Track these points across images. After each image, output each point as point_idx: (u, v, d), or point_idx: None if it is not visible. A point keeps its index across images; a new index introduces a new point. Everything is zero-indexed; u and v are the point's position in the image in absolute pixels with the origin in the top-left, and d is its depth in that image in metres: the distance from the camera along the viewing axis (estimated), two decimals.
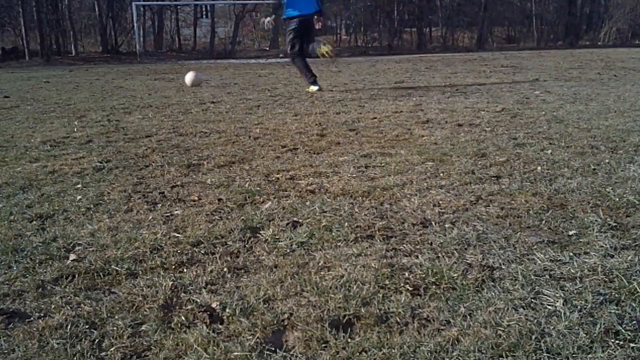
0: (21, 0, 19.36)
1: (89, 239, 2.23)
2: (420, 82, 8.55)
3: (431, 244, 2.09)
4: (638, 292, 1.66)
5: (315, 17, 6.82)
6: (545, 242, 2.07)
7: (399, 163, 3.31)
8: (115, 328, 1.57)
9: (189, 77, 7.92)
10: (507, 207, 2.46)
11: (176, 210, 2.57)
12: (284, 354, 1.44)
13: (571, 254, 1.96)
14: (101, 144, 4.20)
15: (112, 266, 1.96)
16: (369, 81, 9.00)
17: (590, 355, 1.39)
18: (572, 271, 1.82)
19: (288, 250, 2.07)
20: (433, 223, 2.30)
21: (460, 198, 2.62)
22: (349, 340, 1.47)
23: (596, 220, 2.25)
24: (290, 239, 2.15)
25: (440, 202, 2.57)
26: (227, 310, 1.64)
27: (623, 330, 1.48)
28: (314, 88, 7.02)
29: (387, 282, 1.78)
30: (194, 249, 2.11)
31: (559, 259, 1.92)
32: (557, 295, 1.67)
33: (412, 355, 1.41)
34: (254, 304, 1.67)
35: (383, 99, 6.52)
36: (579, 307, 1.60)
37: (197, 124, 5.02)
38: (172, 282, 1.82)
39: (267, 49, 24.11)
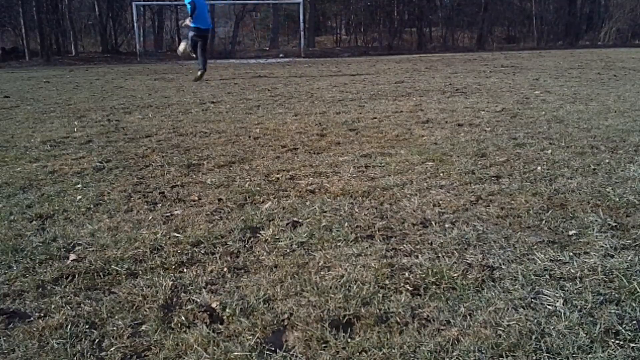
0: (21, 0, 19.34)
1: (89, 239, 2.23)
2: (420, 82, 8.55)
3: (431, 244, 2.09)
4: (638, 292, 1.66)
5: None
6: (545, 242, 2.07)
7: (399, 163, 3.32)
8: (115, 328, 1.57)
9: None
10: (507, 207, 2.46)
11: (176, 210, 2.58)
12: (284, 354, 1.44)
13: (571, 254, 1.96)
14: (101, 144, 4.20)
15: (112, 266, 1.96)
16: (369, 81, 8.99)
17: (590, 355, 1.39)
18: (572, 271, 1.82)
19: (288, 250, 2.07)
20: (433, 223, 2.30)
21: (460, 198, 2.62)
22: (349, 340, 1.48)
23: (596, 220, 2.25)
24: (290, 239, 2.15)
25: (440, 202, 2.57)
26: (227, 310, 1.64)
27: (623, 330, 1.48)
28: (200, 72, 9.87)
29: (387, 282, 1.78)
30: (194, 249, 2.11)
31: (559, 259, 1.92)
32: (557, 295, 1.67)
33: (412, 355, 1.41)
34: (254, 304, 1.67)
35: (383, 99, 6.52)
36: (579, 307, 1.60)
37: (197, 124, 5.02)
38: (172, 282, 1.82)
39: (267, 49, 24.09)
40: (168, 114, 5.73)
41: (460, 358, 1.39)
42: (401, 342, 1.45)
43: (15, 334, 1.55)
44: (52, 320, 1.60)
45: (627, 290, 1.68)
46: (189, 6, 9.36)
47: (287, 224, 2.31)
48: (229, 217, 2.46)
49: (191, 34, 9.58)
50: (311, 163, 3.40)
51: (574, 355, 1.39)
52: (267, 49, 24.10)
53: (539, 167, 3.12)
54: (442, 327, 1.52)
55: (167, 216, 2.49)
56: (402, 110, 5.56)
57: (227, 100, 6.80)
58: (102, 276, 1.90)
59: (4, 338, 1.54)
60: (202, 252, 2.08)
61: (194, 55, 9.86)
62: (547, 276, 1.80)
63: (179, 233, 2.26)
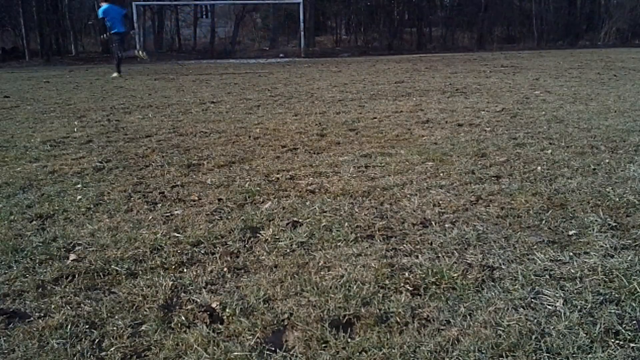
0: (21, 0, 19.33)
1: (89, 239, 2.23)
2: (420, 82, 8.55)
3: (431, 244, 2.09)
4: (638, 292, 1.66)
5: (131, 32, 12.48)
6: (545, 242, 2.07)
7: (399, 163, 3.32)
8: (115, 328, 1.57)
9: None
10: (507, 207, 2.46)
11: (176, 210, 2.58)
12: (284, 354, 1.44)
13: (571, 254, 1.96)
14: (101, 144, 4.20)
15: (112, 266, 1.96)
16: (369, 81, 8.99)
17: (590, 355, 1.39)
18: (572, 271, 1.82)
19: (288, 250, 2.07)
20: (433, 223, 2.30)
21: (460, 198, 2.62)
22: (349, 340, 1.48)
23: (596, 220, 2.25)
24: (290, 239, 2.15)
25: (440, 202, 2.57)
26: (227, 310, 1.64)
27: (623, 330, 1.48)
28: (116, 75, 11.11)
29: (387, 282, 1.78)
30: (194, 249, 2.11)
31: (559, 259, 1.92)
32: (557, 295, 1.67)
33: (412, 355, 1.41)
34: (254, 304, 1.67)
35: (383, 99, 6.52)
36: (579, 307, 1.60)
37: (197, 124, 5.02)
38: (172, 282, 1.82)
39: (267, 49, 24.08)
40: (168, 114, 5.73)
41: (460, 358, 1.39)
42: (401, 342, 1.45)
43: (15, 334, 1.55)
44: (52, 320, 1.60)
45: (627, 290, 1.68)
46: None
47: (287, 224, 2.31)
48: (229, 217, 2.46)
49: (117, 38, 11.21)
50: (311, 163, 3.40)
51: (574, 355, 1.39)
52: (267, 49, 24.09)
53: (539, 167, 3.12)
54: (442, 327, 1.52)
55: (167, 216, 2.49)
56: (402, 110, 5.56)
57: (227, 100, 6.80)
58: (102, 276, 1.90)
59: (4, 338, 1.54)
60: (202, 252, 2.08)
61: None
62: (547, 276, 1.80)
63: (179, 233, 2.26)
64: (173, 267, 1.96)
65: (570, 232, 2.16)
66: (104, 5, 10.83)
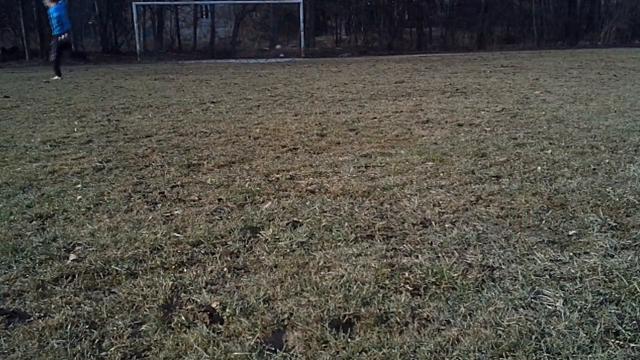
0: (21, 0, 19.33)
1: (89, 239, 2.23)
2: (420, 82, 8.55)
3: (431, 244, 2.09)
4: (638, 292, 1.66)
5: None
6: (545, 242, 2.07)
7: (399, 163, 3.32)
8: (115, 328, 1.57)
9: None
10: (507, 207, 2.46)
11: (176, 210, 2.58)
12: (284, 354, 1.44)
13: (571, 254, 1.96)
14: (101, 144, 4.20)
15: (112, 266, 1.96)
16: (369, 81, 8.99)
17: (590, 355, 1.39)
18: (572, 271, 1.82)
19: (288, 250, 2.07)
20: (433, 223, 2.30)
21: (460, 198, 2.62)
22: (349, 340, 1.48)
23: (596, 220, 2.25)
24: (290, 239, 2.15)
25: (440, 202, 2.57)
26: (227, 310, 1.64)
27: (623, 330, 1.48)
28: (57, 77, 10.62)
29: (387, 282, 1.78)
30: (194, 249, 2.11)
31: (559, 259, 1.92)
32: (557, 295, 1.67)
33: (412, 355, 1.41)
34: (254, 304, 1.67)
35: (383, 99, 6.52)
36: (579, 307, 1.60)
37: (197, 124, 5.02)
38: (172, 282, 1.82)
39: (267, 49, 24.07)
40: (168, 114, 5.73)
41: (460, 358, 1.39)
42: (401, 342, 1.45)
43: (15, 334, 1.55)
44: (52, 320, 1.60)
45: (627, 290, 1.68)
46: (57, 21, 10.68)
47: (287, 224, 2.31)
48: (229, 217, 2.46)
49: (64, 39, 10.87)
50: (311, 163, 3.40)
51: (574, 355, 1.39)
52: (267, 49, 24.09)
53: (539, 167, 3.12)
54: (442, 327, 1.52)
55: (167, 216, 2.49)
56: (402, 110, 5.56)
57: (227, 100, 6.80)
58: (102, 276, 1.90)
59: (4, 338, 1.54)
60: (202, 252, 2.08)
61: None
62: (547, 276, 1.80)
63: (179, 233, 2.26)
64: (173, 267, 1.96)
65: (570, 232, 2.16)
66: (56, 5, 10.81)
